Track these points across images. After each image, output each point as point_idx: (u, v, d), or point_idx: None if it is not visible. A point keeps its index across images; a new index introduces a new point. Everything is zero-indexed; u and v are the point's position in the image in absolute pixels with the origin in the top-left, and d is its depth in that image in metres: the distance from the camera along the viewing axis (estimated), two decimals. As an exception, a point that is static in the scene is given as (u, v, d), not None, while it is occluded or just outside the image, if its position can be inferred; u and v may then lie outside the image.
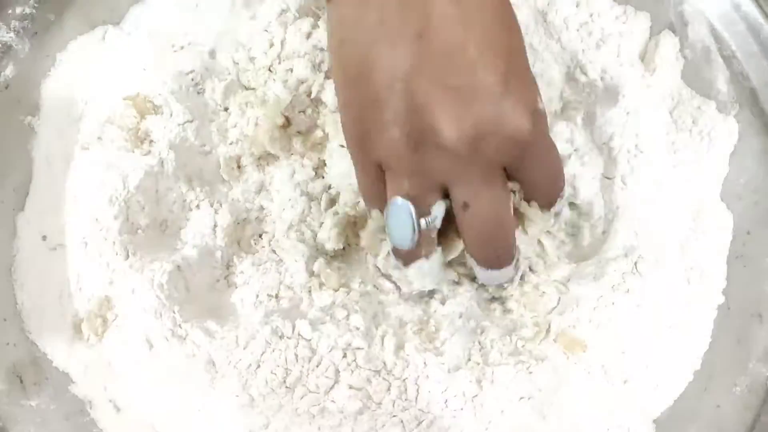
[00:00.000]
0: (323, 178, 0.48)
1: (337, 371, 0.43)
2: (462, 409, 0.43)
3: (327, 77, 0.48)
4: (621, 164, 0.49)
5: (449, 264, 0.44)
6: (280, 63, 0.49)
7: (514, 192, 0.40)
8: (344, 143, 0.41)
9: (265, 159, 0.49)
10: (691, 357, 0.46)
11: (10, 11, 0.48)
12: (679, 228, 0.47)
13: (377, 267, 0.47)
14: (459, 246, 0.42)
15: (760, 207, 0.47)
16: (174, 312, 0.43)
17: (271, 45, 0.49)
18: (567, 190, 0.45)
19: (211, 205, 0.47)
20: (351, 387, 0.42)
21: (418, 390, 0.43)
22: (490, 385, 0.43)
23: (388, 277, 0.47)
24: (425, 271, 0.43)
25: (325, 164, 0.48)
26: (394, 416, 0.43)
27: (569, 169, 0.48)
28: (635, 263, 0.46)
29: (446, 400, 0.43)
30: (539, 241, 0.46)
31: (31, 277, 0.46)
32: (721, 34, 0.48)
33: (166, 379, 0.43)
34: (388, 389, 0.43)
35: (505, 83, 0.34)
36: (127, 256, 0.44)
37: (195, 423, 0.43)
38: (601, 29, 0.49)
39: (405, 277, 0.44)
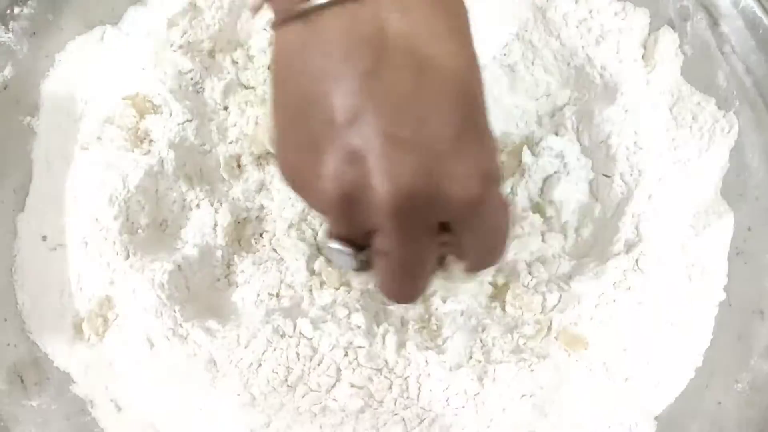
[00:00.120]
0: (323, 176, 0.48)
1: (339, 370, 0.43)
2: (463, 407, 0.43)
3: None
4: (620, 162, 0.49)
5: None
6: (279, 61, 0.49)
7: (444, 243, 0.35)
8: None
9: (265, 158, 0.49)
10: (692, 354, 0.46)
11: (8, 12, 0.48)
12: (679, 225, 0.47)
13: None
14: None
15: (761, 203, 0.47)
16: (175, 311, 0.43)
17: (270, 43, 0.49)
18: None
19: (212, 205, 0.47)
20: (352, 385, 0.42)
21: (419, 388, 0.43)
22: (492, 383, 0.43)
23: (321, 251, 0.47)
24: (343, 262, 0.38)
25: (325, 163, 0.48)
26: (396, 414, 0.43)
27: (555, 186, 0.49)
28: (636, 260, 0.46)
29: (448, 398, 0.43)
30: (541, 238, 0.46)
31: (31, 278, 0.46)
32: (720, 29, 0.48)
33: (167, 378, 0.43)
34: (390, 387, 0.43)
35: (457, 139, 0.30)
36: (128, 256, 0.44)
37: (196, 422, 0.43)
38: (600, 25, 0.49)
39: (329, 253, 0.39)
